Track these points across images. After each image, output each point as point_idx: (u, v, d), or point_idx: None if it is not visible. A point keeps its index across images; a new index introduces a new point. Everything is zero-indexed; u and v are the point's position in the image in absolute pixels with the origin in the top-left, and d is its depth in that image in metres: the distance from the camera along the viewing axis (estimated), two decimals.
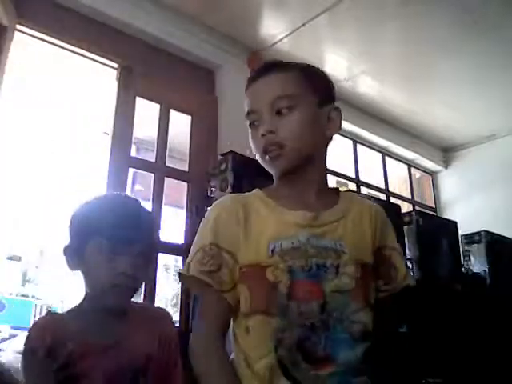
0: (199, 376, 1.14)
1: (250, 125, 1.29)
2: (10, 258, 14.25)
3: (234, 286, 1.18)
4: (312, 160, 1.29)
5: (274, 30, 3.91)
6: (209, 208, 1.29)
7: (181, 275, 1.23)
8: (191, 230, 3.32)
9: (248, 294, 1.16)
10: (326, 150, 1.36)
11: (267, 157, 1.24)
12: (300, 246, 1.16)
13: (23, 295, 14.26)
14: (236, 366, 1.16)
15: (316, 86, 1.30)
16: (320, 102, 1.29)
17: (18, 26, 3.04)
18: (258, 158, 1.29)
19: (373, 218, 1.29)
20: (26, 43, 3.31)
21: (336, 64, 4.33)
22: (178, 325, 3.30)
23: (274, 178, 1.32)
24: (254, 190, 1.32)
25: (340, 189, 1.38)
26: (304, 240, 1.17)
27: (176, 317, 3.47)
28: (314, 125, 1.27)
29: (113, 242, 1.38)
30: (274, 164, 1.25)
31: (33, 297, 14.48)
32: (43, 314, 14.37)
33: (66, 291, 12.93)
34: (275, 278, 1.13)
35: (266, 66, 1.31)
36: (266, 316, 1.12)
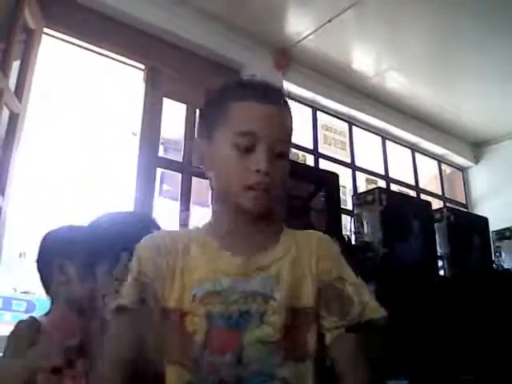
0: None
1: (235, 146, 1.13)
2: None
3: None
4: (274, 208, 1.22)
5: (299, 27, 3.89)
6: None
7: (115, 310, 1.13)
8: None
9: (168, 342, 1.09)
10: None
11: (250, 193, 1.11)
12: (221, 291, 1.07)
13: None
14: None
15: (291, 134, 1.23)
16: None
17: (46, 30, 3.07)
18: (229, 188, 1.14)
19: (313, 253, 1.17)
20: (54, 46, 3.34)
21: (363, 60, 4.30)
22: None
23: (221, 215, 1.21)
24: (193, 228, 1.27)
25: (283, 227, 1.24)
26: (227, 285, 1.08)
27: None
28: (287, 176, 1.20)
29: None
30: (255, 203, 1.12)
31: None
32: None
33: None
34: (193, 325, 1.05)
35: (272, 90, 1.21)
36: (179, 367, 1.05)
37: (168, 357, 1.07)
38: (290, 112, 1.21)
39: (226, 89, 1.24)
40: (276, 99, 1.19)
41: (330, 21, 3.71)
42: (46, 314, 1.70)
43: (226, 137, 1.15)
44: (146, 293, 1.11)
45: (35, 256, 1.77)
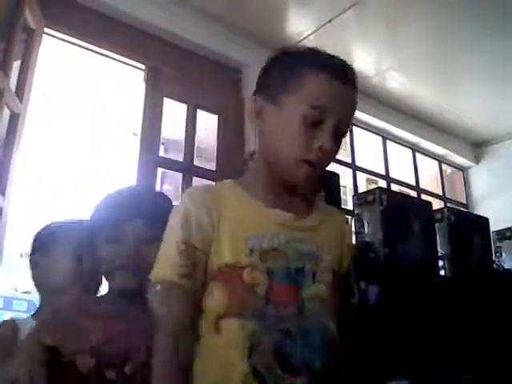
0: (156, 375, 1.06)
1: (304, 117, 1.12)
2: None
3: (203, 284, 1.13)
4: None
5: (300, 27, 3.89)
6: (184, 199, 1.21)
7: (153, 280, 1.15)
8: None
9: (224, 295, 1.09)
10: None
11: (305, 168, 1.13)
12: (280, 248, 1.11)
13: None
14: (199, 367, 1.08)
15: None
16: None
17: (46, 29, 3.07)
18: (284, 153, 1.14)
19: (346, 234, 1.29)
20: (54, 46, 3.34)
21: (363, 60, 4.30)
22: None
23: (266, 174, 1.22)
24: (227, 181, 1.26)
25: (317, 200, 1.31)
26: (284, 241, 1.12)
27: None
28: None
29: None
30: (307, 179, 1.15)
31: None
32: None
33: (100, 291, 13.13)
34: (253, 279, 1.08)
35: (349, 70, 1.22)
36: (242, 319, 1.05)
37: (224, 311, 1.07)
38: (357, 92, 1.23)
39: (302, 54, 1.23)
40: (352, 80, 1.20)
41: (330, 21, 3.71)
42: (35, 314, 1.69)
43: (295, 105, 1.13)
44: (195, 262, 1.12)
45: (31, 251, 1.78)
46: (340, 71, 1.17)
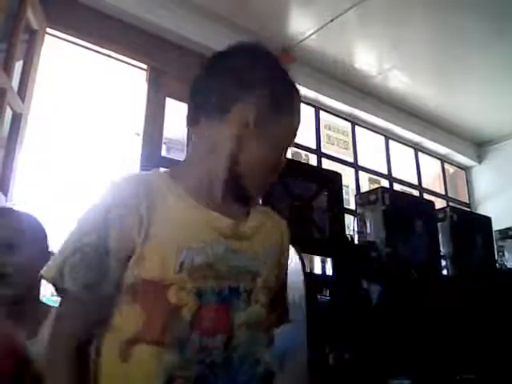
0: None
1: (276, 146, 1.10)
2: None
3: (111, 297, 0.96)
4: None
5: (302, 26, 3.89)
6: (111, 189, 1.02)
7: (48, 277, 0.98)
8: None
9: (139, 316, 0.92)
10: None
11: (263, 184, 1.11)
12: (214, 263, 0.95)
13: (53, 294, 14.53)
14: None
15: None
16: None
17: (48, 30, 3.07)
18: (256, 167, 1.07)
19: (285, 240, 1.16)
20: (56, 46, 3.34)
21: (366, 59, 4.29)
22: None
23: (205, 165, 1.07)
24: (163, 173, 1.07)
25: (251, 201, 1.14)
26: (220, 254, 0.96)
27: None
28: None
29: None
30: (261, 193, 1.16)
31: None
32: None
33: None
34: (179, 300, 0.91)
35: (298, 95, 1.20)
36: (159, 347, 0.90)
37: (136, 336, 0.91)
38: None
39: (278, 85, 1.14)
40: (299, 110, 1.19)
41: (332, 20, 3.71)
42: None
43: (270, 133, 1.07)
44: (104, 272, 0.94)
45: None
46: (298, 108, 1.20)
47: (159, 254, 0.93)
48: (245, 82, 1.11)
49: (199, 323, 0.91)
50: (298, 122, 1.16)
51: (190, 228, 0.98)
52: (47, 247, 1.54)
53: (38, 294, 1.54)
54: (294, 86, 1.17)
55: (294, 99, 1.16)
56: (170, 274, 0.92)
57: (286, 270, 1.17)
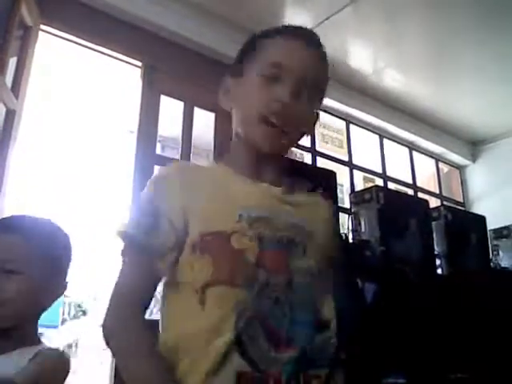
0: (116, 355, 1.00)
1: (262, 75, 1.11)
2: None
3: (171, 254, 1.04)
4: (289, 150, 1.24)
5: (297, 24, 3.88)
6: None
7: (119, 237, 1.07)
8: None
9: (208, 264, 1.00)
10: None
11: (264, 127, 1.09)
12: (271, 218, 1.05)
13: None
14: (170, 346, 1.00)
15: (326, 85, 1.21)
16: (320, 100, 1.21)
17: (42, 26, 3.06)
18: (247, 115, 1.13)
19: (330, 213, 1.24)
20: (50, 43, 3.33)
21: (361, 58, 4.29)
22: None
23: (238, 147, 1.19)
24: (209, 161, 1.24)
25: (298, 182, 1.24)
26: (276, 211, 1.07)
27: None
28: (310, 121, 1.20)
29: None
30: (267, 140, 1.11)
31: None
32: (72, 312, 14.51)
33: (98, 289, 13.11)
34: (241, 245, 1.00)
35: (312, 34, 1.21)
36: (229, 287, 0.98)
37: (209, 279, 0.99)
38: (325, 59, 1.20)
39: (266, 29, 1.21)
40: (316, 43, 1.19)
41: (327, 18, 3.71)
42: None
43: (253, 70, 1.14)
44: (160, 221, 1.05)
45: None
46: (301, 34, 1.18)
47: (219, 212, 1.05)
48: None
49: (263, 263, 1.00)
50: (294, 46, 1.15)
51: (241, 194, 1.08)
52: (61, 267, 1.41)
53: (33, 327, 1.39)
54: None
55: (289, 27, 1.20)
56: (231, 224, 1.02)
57: (338, 252, 1.23)
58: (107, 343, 1.00)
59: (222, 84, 1.22)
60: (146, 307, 1.04)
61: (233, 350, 0.94)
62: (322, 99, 1.21)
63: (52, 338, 12.53)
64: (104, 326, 1.01)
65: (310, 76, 1.12)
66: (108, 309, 1.02)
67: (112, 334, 1.01)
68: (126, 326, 1.00)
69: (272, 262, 1.01)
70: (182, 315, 1.02)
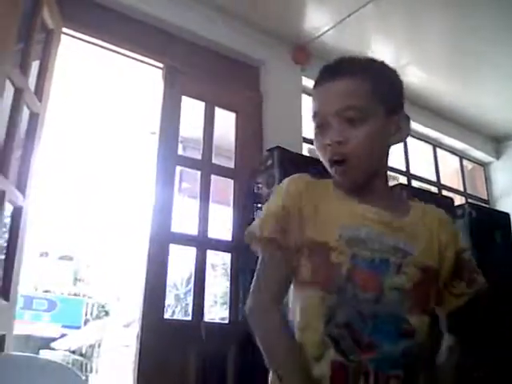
0: (258, 334, 1.18)
1: (315, 128, 1.25)
2: (62, 258, 14.62)
3: (296, 253, 1.20)
4: (377, 173, 1.27)
5: (318, 22, 3.86)
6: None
7: (249, 237, 1.26)
8: (238, 227, 3.32)
9: (310, 267, 1.17)
10: (388, 156, 1.30)
11: (333, 169, 1.21)
12: (367, 239, 1.17)
13: (75, 294, 14.62)
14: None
15: (386, 94, 1.25)
16: (389, 111, 1.24)
17: (64, 29, 3.08)
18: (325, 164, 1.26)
19: (443, 227, 1.29)
20: (73, 46, 3.35)
21: (382, 55, 4.18)
22: (227, 321, 3.32)
23: None
24: (325, 180, 1.30)
25: (411, 200, 1.36)
26: (373, 235, 1.17)
27: (225, 314, 3.49)
28: (382, 137, 1.23)
29: None
30: (340, 178, 1.23)
31: (84, 295, 14.83)
32: (95, 312, 14.60)
33: (121, 289, 13.19)
34: (338, 260, 1.14)
35: (336, 65, 1.26)
36: (323, 291, 1.15)
37: (310, 279, 1.17)
38: (356, 74, 1.23)
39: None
40: (337, 72, 1.24)
41: (349, 15, 3.68)
42: None
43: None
44: (293, 223, 1.20)
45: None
46: (325, 72, 1.26)
47: (324, 227, 1.18)
48: None
49: (353, 278, 1.14)
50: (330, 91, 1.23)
51: (346, 214, 1.20)
52: None
53: None
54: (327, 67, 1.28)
55: (320, 72, 1.28)
56: (332, 241, 1.16)
57: (458, 255, 1.28)
58: (252, 322, 1.20)
59: None
60: (283, 298, 1.23)
61: (328, 342, 1.12)
62: (390, 107, 1.25)
63: (75, 338, 12.66)
64: (251, 309, 1.22)
65: (341, 105, 1.19)
66: (256, 296, 1.22)
67: (252, 313, 1.21)
68: (271, 311, 1.19)
69: (362, 279, 1.14)
70: (294, 308, 1.21)
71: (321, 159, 1.25)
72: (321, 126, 1.22)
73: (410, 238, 1.21)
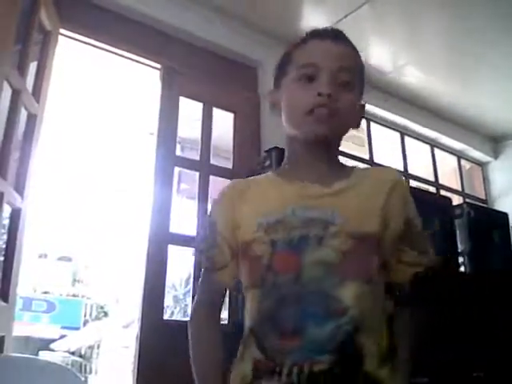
0: (190, 346, 1.31)
1: (298, 78, 1.21)
2: (60, 259, 14.62)
3: (231, 264, 1.25)
4: (339, 141, 1.29)
5: (315, 23, 3.86)
6: None
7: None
8: None
9: (245, 271, 1.21)
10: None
11: (311, 117, 1.16)
12: (284, 219, 1.15)
13: (74, 295, 14.61)
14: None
15: (363, 78, 1.29)
16: (360, 93, 1.28)
17: (62, 30, 3.08)
18: (293, 115, 1.23)
19: (396, 191, 1.21)
20: (70, 47, 3.35)
21: (380, 56, 4.26)
22: (226, 322, 3.31)
23: (289, 149, 1.30)
24: (268, 172, 1.34)
25: (357, 166, 1.33)
26: (289, 212, 1.15)
27: (224, 314, 3.48)
28: (356, 111, 1.25)
29: None
30: (317, 124, 1.17)
31: (83, 296, 14.82)
32: (94, 313, 14.59)
33: (120, 290, 13.18)
34: (260, 252, 1.15)
35: (336, 31, 1.27)
36: (253, 290, 1.17)
37: (246, 282, 1.21)
38: (355, 50, 1.27)
39: (297, 39, 1.31)
40: (342, 37, 1.26)
41: (346, 16, 3.69)
42: None
43: (291, 76, 1.24)
44: (215, 239, 1.26)
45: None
46: (327, 34, 1.26)
47: (246, 223, 1.20)
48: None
49: (274, 265, 1.13)
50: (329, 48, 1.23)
51: (268, 201, 1.21)
52: None
53: None
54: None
55: (314, 32, 1.28)
56: (251, 234, 1.17)
57: (409, 222, 1.22)
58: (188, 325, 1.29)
59: (267, 97, 1.35)
60: (218, 305, 1.31)
61: (251, 341, 1.13)
62: (362, 92, 1.28)
63: (74, 339, 12.64)
64: (189, 319, 1.31)
65: (344, 64, 1.20)
66: (193, 303, 1.33)
67: (190, 324, 1.30)
68: (200, 327, 1.30)
69: (281, 263, 1.13)
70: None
71: (293, 112, 1.22)
72: (312, 79, 1.19)
73: (340, 206, 1.14)
